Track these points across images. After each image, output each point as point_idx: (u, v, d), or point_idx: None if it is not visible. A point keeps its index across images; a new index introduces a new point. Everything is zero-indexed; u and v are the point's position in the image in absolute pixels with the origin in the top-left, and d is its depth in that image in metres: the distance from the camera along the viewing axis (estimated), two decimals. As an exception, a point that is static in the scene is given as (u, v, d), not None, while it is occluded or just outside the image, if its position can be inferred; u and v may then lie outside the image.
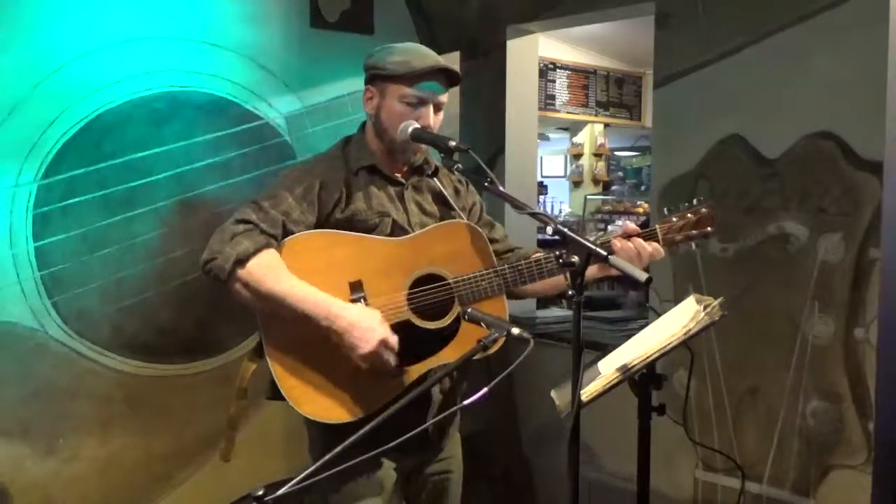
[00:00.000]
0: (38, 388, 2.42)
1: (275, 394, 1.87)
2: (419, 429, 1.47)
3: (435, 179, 2.07)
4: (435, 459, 2.08)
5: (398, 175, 2.01)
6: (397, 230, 1.94)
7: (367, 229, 1.91)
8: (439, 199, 2.07)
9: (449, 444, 2.12)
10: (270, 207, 1.84)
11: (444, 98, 1.98)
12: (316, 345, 1.81)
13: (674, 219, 2.00)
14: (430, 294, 1.91)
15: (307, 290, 1.80)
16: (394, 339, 1.80)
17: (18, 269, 2.39)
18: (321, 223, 1.90)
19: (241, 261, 1.77)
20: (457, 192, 2.12)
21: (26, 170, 2.38)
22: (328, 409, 1.84)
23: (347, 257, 1.87)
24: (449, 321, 1.91)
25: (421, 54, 1.95)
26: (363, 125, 2.05)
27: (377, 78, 1.95)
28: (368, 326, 1.77)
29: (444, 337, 1.91)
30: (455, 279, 1.92)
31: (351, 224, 1.90)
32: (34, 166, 2.40)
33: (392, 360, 1.81)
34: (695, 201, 2.03)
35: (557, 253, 1.82)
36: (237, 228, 1.81)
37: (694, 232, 1.99)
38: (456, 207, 2.06)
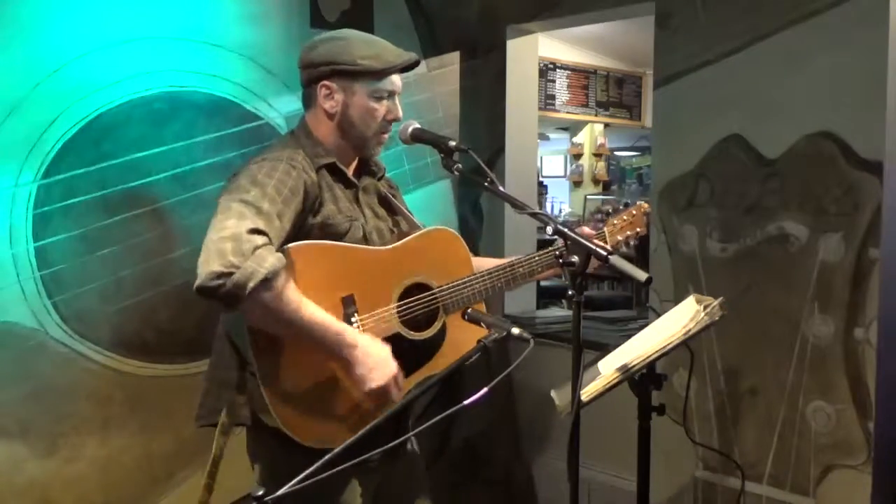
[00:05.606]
0: (38, 388, 2.42)
1: (256, 422, 1.80)
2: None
3: (380, 182, 2.00)
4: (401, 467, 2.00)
5: (353, 176, 1.92)
6: (365, 235, 1.86)
7: (338, 234, 1.80)
8: (384, 202, 2.00)
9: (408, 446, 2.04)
10: (271, 212, 1.66)
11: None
12: (313, 369, 1.73)
13: (615, 221, 2.18)
14: (418, 305, 1.87)
15: (324, 316, 1.68)
16: (401, 376, 1.74)
17: (18, 269, 2.39)
18: (295, 227, 1.75)
19: (269, 280, 1.57)
20: (394, 196, 2.04)
21: (26, 170, 2.38)
22: (324, 436, 1.72)
23: (337, 271, 1.78)
24: (436, 330, 1.88)
25: (386, 47, 1.89)
26: (303, 122, 1.93)
27: (339, 74, 1.84)
28: (381, 358, 1.70)
29: (433, 347, 1.88)
30: (440, 288, 1.89)
31: (323, 229, 1.79)
32: (34, 166, 2.39)
33: (397, 395, 1.73)
34: (628, 202, 2.17)
35: (557, 252, 1.82)
36: (257, 240, 1.58)
37: (629, 233, 2.19)
38: (406, 211, 2.01)
